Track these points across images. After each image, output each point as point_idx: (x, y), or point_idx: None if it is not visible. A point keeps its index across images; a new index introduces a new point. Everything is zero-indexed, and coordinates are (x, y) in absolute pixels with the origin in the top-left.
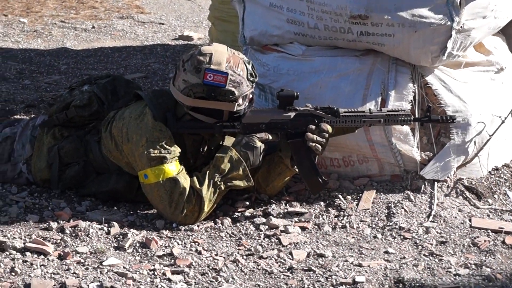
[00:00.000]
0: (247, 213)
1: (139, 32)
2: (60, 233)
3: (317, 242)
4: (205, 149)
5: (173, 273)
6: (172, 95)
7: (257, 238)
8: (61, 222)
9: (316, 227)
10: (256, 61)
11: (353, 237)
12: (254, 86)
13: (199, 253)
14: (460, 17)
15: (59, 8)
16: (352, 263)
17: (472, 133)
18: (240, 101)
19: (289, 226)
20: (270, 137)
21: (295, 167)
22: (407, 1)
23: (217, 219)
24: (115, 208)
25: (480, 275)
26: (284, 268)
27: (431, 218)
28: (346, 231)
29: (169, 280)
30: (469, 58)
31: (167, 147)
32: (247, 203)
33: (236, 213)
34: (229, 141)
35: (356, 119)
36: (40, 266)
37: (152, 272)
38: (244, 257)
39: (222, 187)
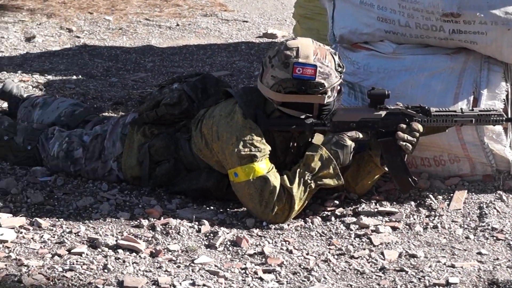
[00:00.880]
0: (337, 212)
1: (223, 30)
2: (151, 231)
3: (409, 242)
4: (294, 146)
5: (264, 272)
6: (261, 92)
7: (348, 237)
8: (152, 219)
9: (407, 227)
10: (345, 59)
11: (445, 238)
12: (342, 76)
13: (290, 252)
14: None
15: (143, 6)
16: (444, 264)
17: None
18: (329, 92)
19: (380, 225)
20: (361, 136)
21: (385, 166)
22: None
23: (307, 218)
24: (205, 206)
25: None
26: (376, 268)
27: None
28: (437, 231)
29: (261, 279)
30: None
31: (257, 145)
32: (337, 202)
33: (325, 212)
34: (317, 137)
35: (448, 119)
36: (133, 263)
37: (244, 270)
38: (335, 256)
39: (313, 185)
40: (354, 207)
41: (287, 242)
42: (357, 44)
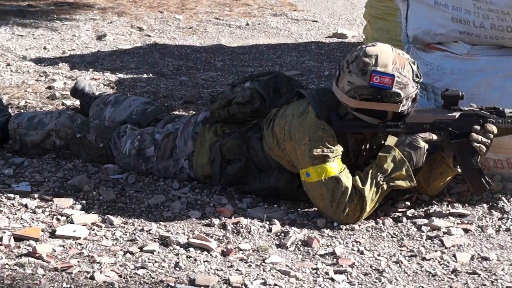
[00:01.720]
0: (408, 214)
1: (293, 30)
2: (222, 230)
3: (481, 244)
4: (367, 147)
5: (335, 272)
6: (335, 95)
7: (419, 239)
8: (223, 218)
9: (479, 229)
10: (419, 60)
11: None
12: (419, 87)
13: (361, 253)
14: None
15: (213, 5)
16: None
17: None
18: (404, 101)
19: (452, 227)
20: (434, 137)
21: (458, 167)
22: None
23: (378, 219)
24: (276, 205)
25: None
26: (448, 271)
27: None
28: (510, 234)
29: (332, 279)
30: None
31: (330, 146)
32: (408, 203)
33: (397, 213)
34: (391, 139)
35: None
36: (204, 262)
37: (315, 271)
38: (407, 258)
39: (385, 187)
40: (425, 208)
41: (358, 243)
42: (431, 44)
